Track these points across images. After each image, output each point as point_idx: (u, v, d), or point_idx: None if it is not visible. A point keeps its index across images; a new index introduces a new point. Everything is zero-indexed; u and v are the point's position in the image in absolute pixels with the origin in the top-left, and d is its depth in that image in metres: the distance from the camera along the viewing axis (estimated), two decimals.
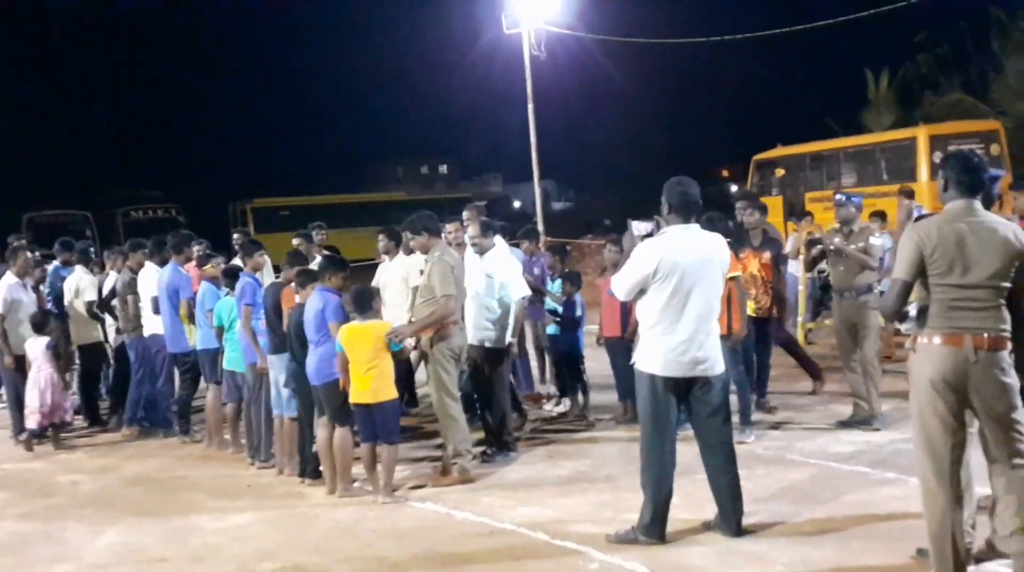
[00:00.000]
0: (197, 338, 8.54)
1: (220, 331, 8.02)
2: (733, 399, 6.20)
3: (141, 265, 9.25)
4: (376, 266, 9.36)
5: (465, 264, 7.38)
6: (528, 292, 7.84)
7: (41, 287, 10.26)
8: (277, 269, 8.93)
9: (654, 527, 5.27)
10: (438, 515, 6.20)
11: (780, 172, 21.67)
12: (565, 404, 9.03)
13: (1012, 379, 4.34)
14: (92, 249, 10.67)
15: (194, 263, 9.22)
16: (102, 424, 9.88)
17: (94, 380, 10.23)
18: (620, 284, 5.39)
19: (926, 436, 4.37)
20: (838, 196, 8.05)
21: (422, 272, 7.33)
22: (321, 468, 6.92)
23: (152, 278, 8.96)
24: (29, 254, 9.98)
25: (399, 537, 5.77)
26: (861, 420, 7.65)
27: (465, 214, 8.57)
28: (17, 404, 9.35)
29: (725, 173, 47.88)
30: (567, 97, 47.97)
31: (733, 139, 43.97)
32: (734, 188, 26.54)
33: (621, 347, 8.16)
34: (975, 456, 4.52)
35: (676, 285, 5.15)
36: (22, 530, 6.56)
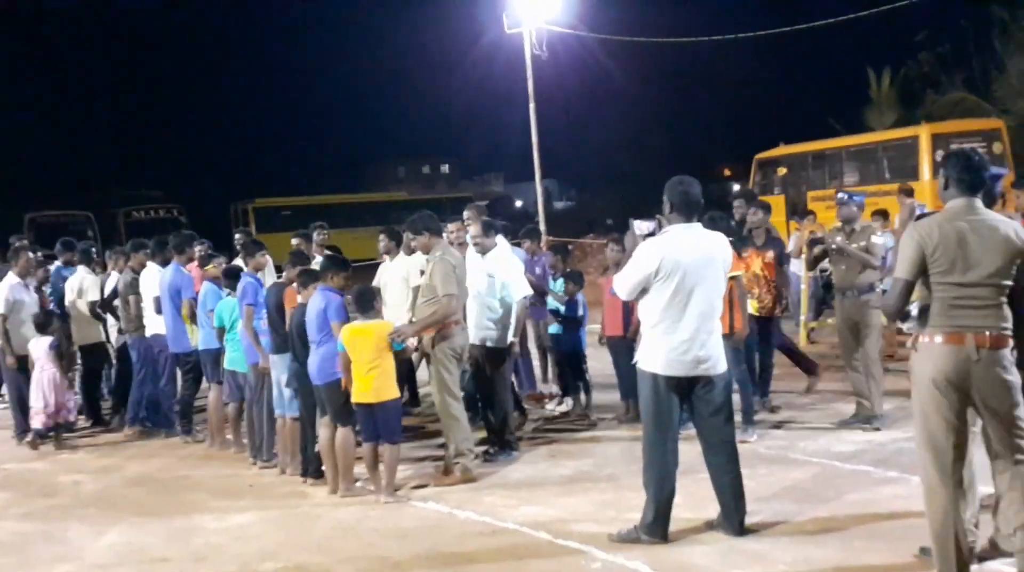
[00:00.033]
0: (199, 338, 8.54)
1: (221, 332, 8.02)
2: (736, 398, 6.19)
3: (143, 265, 9.26)
4: (378, 266, 9.36)
5: (467, 264, 7.38)
6: (530, 292, 7.84)
7: (44, 287, 10.26)
8: (279, 269, 8.94)
9: (656, 526, 5.26)
10: (440, 515, 6.19)
11: (782, 171, 21.65)
12: (567, 403, 9.03)
13: (1014, 377, 4.33)
14: (94, 249, 10.68)
15: (196, 263, 9.23)
16: (104, 424, 9.90)
17: (96, 380, 10.23)
18: (622, 283, 5.38)
19: (928, 435, 4.36)
20: (840, 195, 8.04)
21: (423, 272, 7.32)
22: (323, 468, 6.92)
23: (154, 278, 8.97)
24: (31, 254, 9.98)
25: (401, 537, 5.77)
26: (862, 419, 7.64)
27: (466, 214, 8.57)
28: (19, 404, 9.36)
29: (727, 172, 47.87)
30: (568, 96, 47.93)
31: (735, 138, 43.93)
32: (736, 187, 26.51)
33: (623, 346, 8.15)
34: (978, 455, 4.52)
35: (678, 284, 5.14)
36: (24, 530, 6.57)
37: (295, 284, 7.15)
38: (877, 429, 7.49)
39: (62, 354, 9.18)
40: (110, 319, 9.84)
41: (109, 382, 10.54)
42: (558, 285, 8.99)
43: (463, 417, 7.03)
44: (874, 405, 7.60)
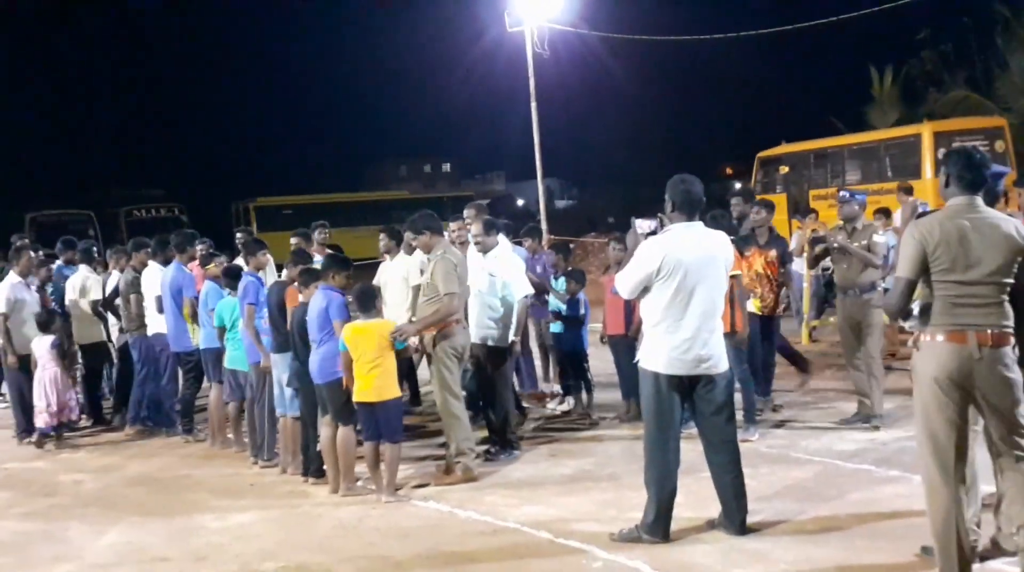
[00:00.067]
0: (200, 337, 8.53)
1: (222, 331, 8.01)
2: (737, 397, 6.18)
3: (144, 264, 9.26)
4: (379, 265, 9.35)
5: (468, 262, 7.37)
6: (531, 290, 7.83)
7: (46, 287, 10.25)
8: (280, 267, 8.93)
9: (658, 526, 5.25)
10: (441, 514, 6.18)
11: (784, 169, 21.63)
12: (569, 402, 9.02)
13: (1016, 374, 4.33)
14: (95, 248, 10.67)
15: (197, 262, 9.22)
16: (105, 423, 9.90)
17: (96, 379, 10.23)
18: (624, 282, 5.37)
19: (930, 433, 4.35)
20: (842, 193, 8.03)
21: (422, 271, 7.31)
22: (324, 467, 6.91)
23: (156, 277, 8.97)
24: (32, 254, 9.98)
25: (402, 536, 5.76)
26: (862, 417, 7.63)
27: (466, 212, 8.56)
28: (20, 404, 9.36)
29: (729, 171, 47.84)
30: (570, 95, 47.97)
31: (736, 136, 43.95)
32: (738, 186, 26.49)
33: (625, 345, 8.14)
34: (980, 453, 4.51)
35: (680, 283, 5.13)
36: (24, 529, 6.56)
37: (296, 283, 7.15)
38: (876, 428, 7.48)
39: (64, 353, 9.18)
40: (111, 318, 9.84)
41: (110, 381, 10.54)
42: (560, 284, 8.98)
43: (464, 416, 7.02)
44: (874, 404, 7.58)
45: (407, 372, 8.82)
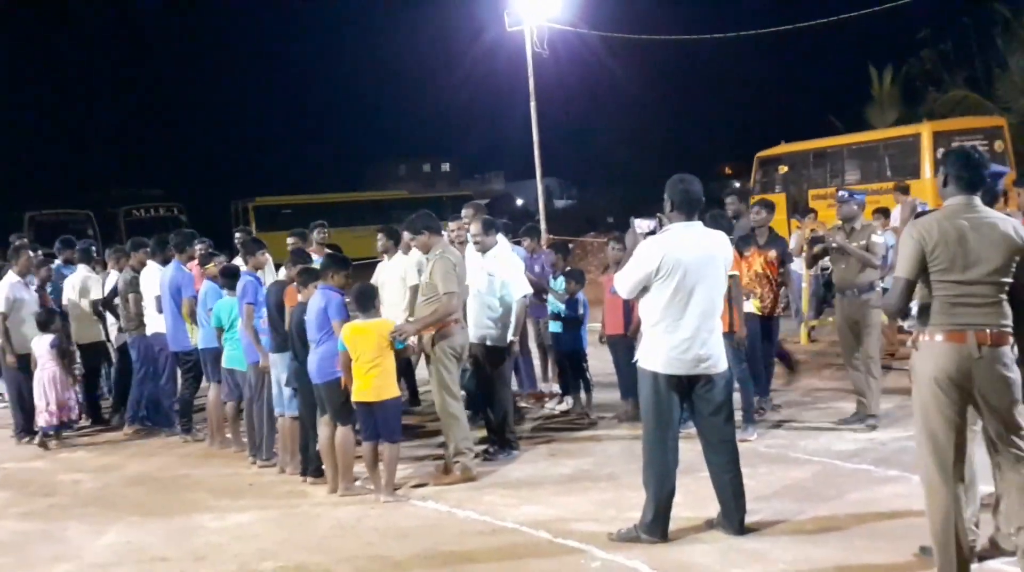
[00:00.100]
0: (199, 337, 8.53)
1: (219, 331, 8.01)
2: (736, 397, 6.18)
3: (143, 264, 9.25)
4: (378, 264, 9.34)
5: (467, 262, 7.37)
6: (530, 290, 7.83)
7: (46, 286, 10.25)
8: (279, 267, 8.92)
9: (656, 525, 5.25)
10: (440, 514, 6.18)
11: (783, 169, 21.63)
12: (567, 402, 9.02)
13: (1015, 374, 4.33)
14: (93, 248, 10.66)
15: (196, 262, 9.21)
16: (104, 423, 9.89)
17: (95, 379, 10.22)
18: (623, 282, 5.37)
19: (929, 433, 4.35)
20: (840, 193, 8.03)
21: (420, 271, 7.30)
22: (323, 467, 6.90)
23: (155, 277, 8.96)
24: (31, 253, 9.97)
25: (401, 536, 5.76)
26: (860, 417, 7.63)
27: (464, 212, 8.55)
28: (19, 403, 9.36)
29: (728, 170, 47.83)
30: (569, 95, 47.90)
31: (736, 136, 43.89)
32: (737, 185, 26.46)
33: (624, 345, 8.14)
34: (979, 453, 4.51)
35: (679, 283, 5.13)
36: (23, 529, 6.56)
37: (295, 283, 7.14)
38: (873, 428, 7.48)
39: (63, 352, 9.17)
40: (110, 318, 9.84)
41: (109, 381, 10.53)
42: (559, 283, 8.98)
43: (462, 416, 7.02)
44: (871, 404, 7.58)
45: (404, 372, 8.81)
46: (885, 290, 7.49)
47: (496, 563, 5.24)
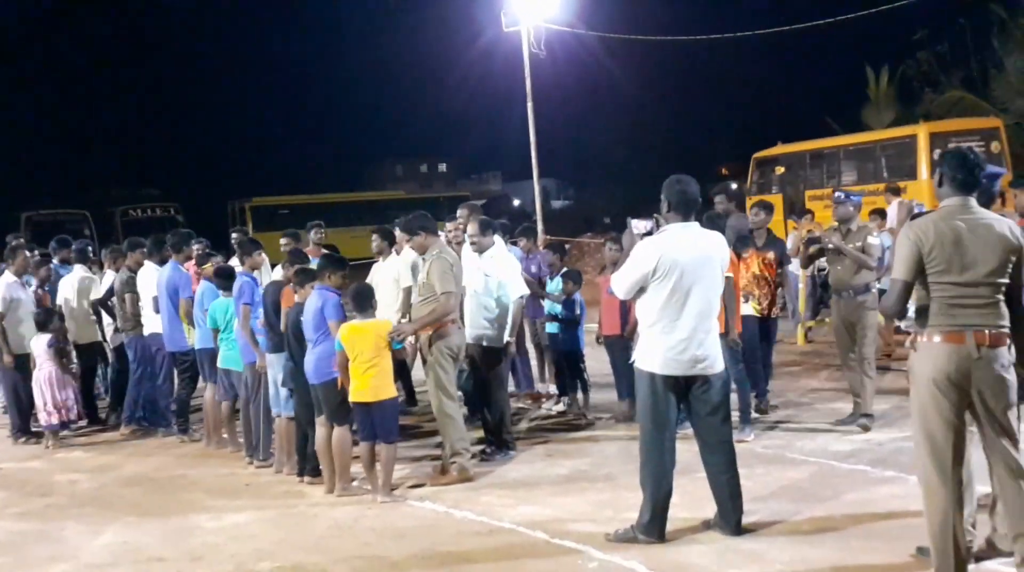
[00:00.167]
0: (196, 337, 8.52)
1: (215, 332, 8.00)
2: (733, 397, 6.19)
3: (139, 264, 9.24)
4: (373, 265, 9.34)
5: (463, 262, 7.37)
6: (527, 291, 7.83)
7: (45, 286, 10.23)
8: (274, 266, 8.91)
9: (653, 526, 5.26)
10: (437, 514, 6.18)
11: (780, 170, 21.65)
12: (564, 403, 9.02)
13: (1011, 376, 4.35)
14: (90, 248, 10.65)
15: (193, 262, 9.21)
16: (101, 423, 9.88)
17: (91, 379, 10.21)
18: (620, 282, 5.37)
19: (928, 434, 4.36)
20: (837, 194, 8.03)
21: (414, 272, 7.29)
22: (320, 467, 6.90)
23: (152, 277, 8.95)
24: (28, 253, 9.96)
25: (398, 536, 5.76)
26: (855, 418, 7.64)
27: (460, 212, 8.55)
28: (16, 403, 9.34)
29: (724, 171, 47.88)
30: (567, 95, 47.91)
31: (733, 137, 43.88)
32: (734, 186, 26.46)
33: (620, 345, 8.15)
34: (976, 454, 4.51)
35: (675, 283, 5.14)
36: (20, 529, 6.55)
37: (292, 283, 7.14)
38: (866, 428, 7.48)
39: (61, 352, 9.16)
40: (105, 318, 9.82)
41: (105, 381, 10.52)
42: (556, 284, 8.98)
43: (458, 416, 7.02)
44: (866, 404, 7.59)
45: (400, 372, 8.81)
46: (881, 292, 7.51)
47: (493, 563, 5.24)
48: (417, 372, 8.96)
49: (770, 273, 8.11)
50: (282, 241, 9.16)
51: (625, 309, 7.96)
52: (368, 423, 6.46)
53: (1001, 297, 4.33)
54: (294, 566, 5.40)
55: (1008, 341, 4.35)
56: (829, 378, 9.75)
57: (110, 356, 10.10)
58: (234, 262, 8.77)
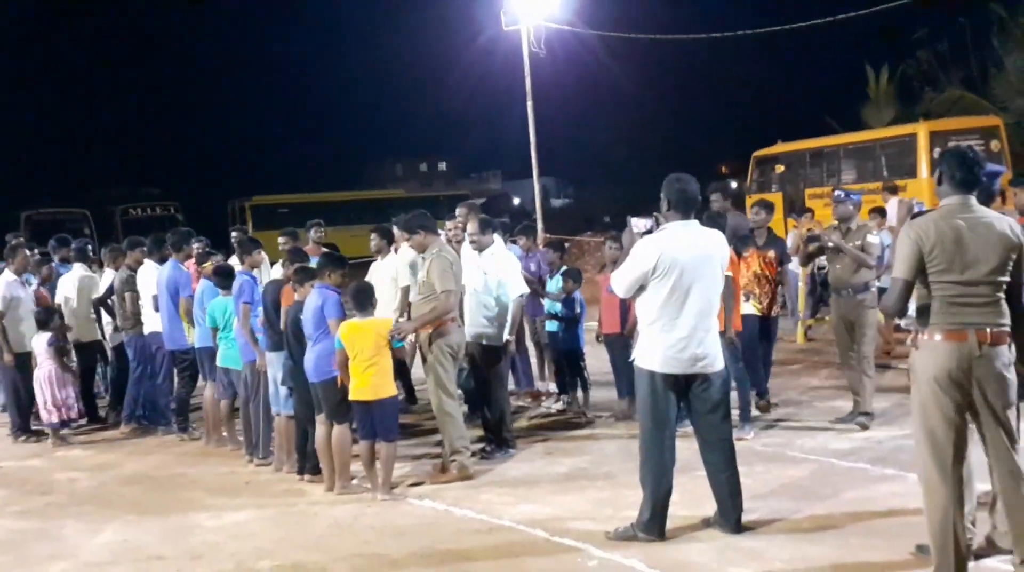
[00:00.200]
0: (195, 335, 8.52)
1: (214, 331, 8.00)
2: (733, 395, 6.19)
3: (139, 263, 9.24)
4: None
5: (463, 261, 7.37)
6: (526, 289, 7.83)
7: (47, 285, 10.23)
8: (273, 264, 8.90)
9: (653, 524, 5.26)
10: (437, 512, 6.18)
11: (780, 168, 21.64)
12: (564, 401, 9.02)
13: (1011, 375, 4.35)
14: (90, 246, 10.65)
15: (193, 260, 9.20)
16: (101, 422, 9.88)
17: (91, 378, 10.21)
18: (619, 281, 5.37)
19: (928, 432, 4.36)
20: (837, 193, 8.03)
21: (412, 269, 7.29)
22: (320, 465, 6.90)
23: (152, 276, 8.95)
24: (27, 252, 9.96)
25: (398, 534, 5.76)
26: (856, 416, 7.64)
27: (458, 211, 8.55)
28: (16, 402, 9.34)
29: (724, 169, 47.91)
30: (566, 94, 48.00)
31: (733, 136, 43.97)
32: (734, 185, 26.45)
33: (620, 344, 8.15)
34: (976, 452, 4.51)
35: (675, 282, 5.13)
36: (20, 528, 6.55)
37: (291, 281, 7.14)
38: (864, 426, 7.48)
39: (61, 351, 9.16)
40: (105, 317, 9.82)
41: (105, 380, 10.52)
42: (556, 282, 8.98)
43: (458, 414, 7.02)
44: (865, 402, 7.59)
45: (400, 370, 8.81)
46: (881, 290, 7.51)
47: (493, 561, 5.24)
48: (417, 370, 8.96)
49: (771, 272, 8.10)
50: (280, 240, 9.16)
51: (625, 307, 7.96)
52: (368, 421, 6.46)
53: (1002, 295, 4.33)
54: (294, 564, 5.40)
55: (1008, 340, 4.35)
56: (829, 376, 9.75)
57: (109, 355, 10.09)
58: (234, 261, 8.77)
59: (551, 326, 8.98)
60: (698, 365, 5.22)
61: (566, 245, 13.41)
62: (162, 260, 8.99)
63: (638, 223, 5.58)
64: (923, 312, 4.41)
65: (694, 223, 5.31)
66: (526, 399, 9.46)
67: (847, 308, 7.66)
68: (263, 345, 7.41)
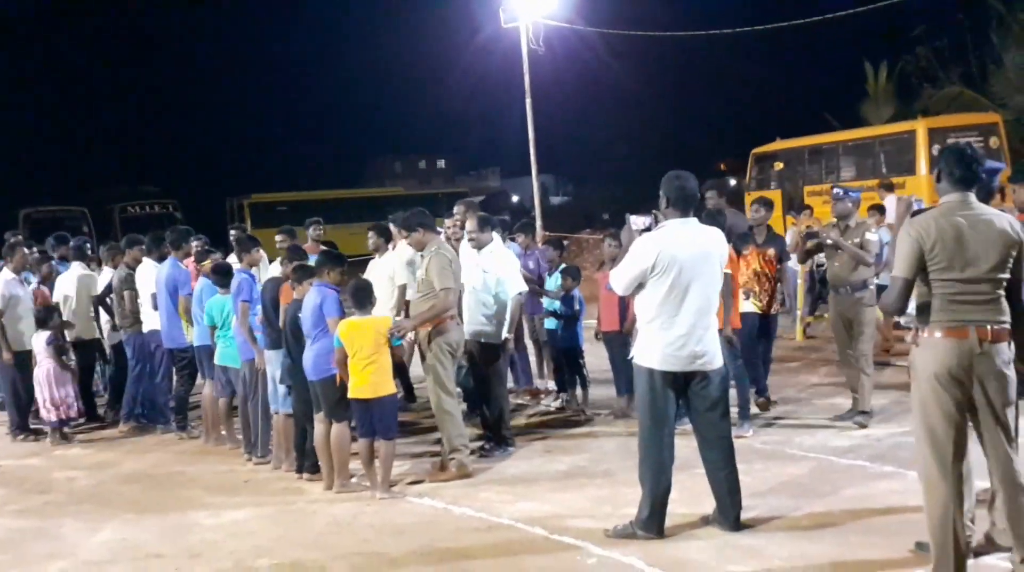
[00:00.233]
0: (194, 334, 8.52)
1: (212, 329, 7.99)
2: (732, 393, 6.18)
3: (137, 261, 9.23)
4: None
5: (462, 259, 7.36)
6: (525, 287, 7.82)
7: (46, 283, 10.21)
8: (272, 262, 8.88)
9: (652, 522, 5.26)
10: (436, 510, 6.18)
11: (779, 165, 21.63)
12: (563, 398, 9.01)
13: (1011, 373, 4.34)
14: (88, 245, 10.64)
15: (192, 259, 9.20)
16: (99, 420, 9.87)
17: (89, 376, 10.20)
18: (618, 278, 5.37)
19: (929, 429, 4.35)
20: (836, 190, 8.02)
21: (412, 268, 7.27)
22: (319, 463, 6.89)
23: (151, 274, 8.94)
24: (26, 250, 9.94)
25: (397, 532, 5.75)
26: (850, 413, 7.64)
27: (457, 209, 8.54)
28: (15, 401, 9.33)
29: (723, 166, 47.91)
30: (565, 91, 47.96)
31: (732, 133, 44.02)
32: (733, 182, 26.45)
33: (619, 341, 8.15)
34: (975, 450, 4.50)
35: (674, 279, 5.13)
36: (18, 526, 6.54)
37: (290, 280, 7.13)
38: (863, 425, 7.48)
39: (60, 349, 9.15)
40: (103, 315, 9.81)
41: (104, 378, 10.51)
42: (555, 280, 8.98)
43: (457, 413, 7.02)
44: (863, 400, 7.59)
45: (398, 368, 8.80)
46: (880, 288, 7.50)
47: (492, 559, 5.24)
48: (415, 368, 8.96)
49: (770, 270, 8.09)
50: (278, 238, 9.13)
51: (624, 305, 7.96)
52: (367, 419, 6.46)
53: (1002, 293, 4.33)
54: (293, 563, 5.40)
55: (1009, 337, 4.35)
56: (828, 374, 9.75)
57: (108, 353, 10.08)
58: (232, 259, 8.76)
59: (550, 324, 8.97)
60: (697, 363, 5.22)
61: (565, 243, 13.39)
62: (161, 258, 8.98)
63: (637, 221, 5.56)
64: (923, 310, 4.41)
65: (693, 221, 5.30)
66: (525, 397, 9.46)
67: (845, 305, 7.66)
68: (262, 343, 7.40)
